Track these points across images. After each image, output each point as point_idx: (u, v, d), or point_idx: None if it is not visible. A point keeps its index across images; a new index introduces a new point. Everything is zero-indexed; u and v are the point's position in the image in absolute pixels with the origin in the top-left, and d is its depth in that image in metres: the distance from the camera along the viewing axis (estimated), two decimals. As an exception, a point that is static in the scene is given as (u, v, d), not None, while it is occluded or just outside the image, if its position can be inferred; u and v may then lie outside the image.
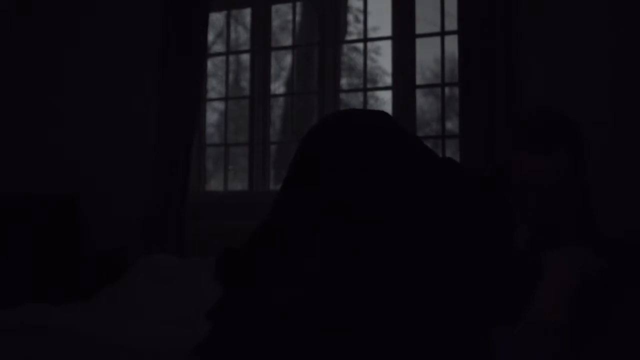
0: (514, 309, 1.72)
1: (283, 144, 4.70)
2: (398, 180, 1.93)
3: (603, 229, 2.92)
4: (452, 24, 4.02)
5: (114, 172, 4.77)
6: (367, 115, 2.12)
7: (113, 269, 3.57)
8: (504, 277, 1.82)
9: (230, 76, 4.84)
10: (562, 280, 1.68)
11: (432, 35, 4.18)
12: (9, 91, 5.07)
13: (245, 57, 4.78)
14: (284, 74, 4.80)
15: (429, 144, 4.25)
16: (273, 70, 4.72)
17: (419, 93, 4.21)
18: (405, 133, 2.08)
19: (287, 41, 4.73)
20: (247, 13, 4.77)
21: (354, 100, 4.53)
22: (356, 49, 4.56)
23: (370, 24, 4.41)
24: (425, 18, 4.19)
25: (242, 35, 4.88)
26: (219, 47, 4.90)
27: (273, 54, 4.71)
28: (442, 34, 4.11)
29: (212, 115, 4.91)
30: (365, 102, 4.38)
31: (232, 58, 4.85)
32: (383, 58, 4.47)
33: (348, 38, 4.58)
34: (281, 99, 4.76)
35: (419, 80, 4.21)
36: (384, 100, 4.42)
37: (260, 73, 4.68)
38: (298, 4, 4.64)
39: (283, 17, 4.77)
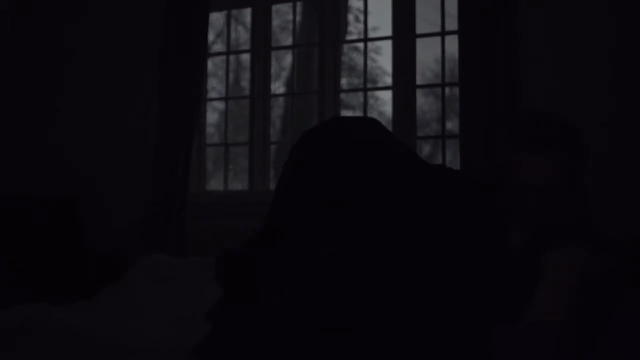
0: (514, 309, 1.72)
1: (283, 144, 4.70)
2: (393, 183, 1.94)
3: (603, 230, 2.93)
4: (452, 24, 4.02)
5: (114, 172, 4.77)
6: (361, 122, 2.13)
7: (113, 269, 3.56)
8: (500, 277, 1.82)
9: (231, 76, 4.84)
10: (562, 280, 1.68)
11: (432, 35, 4.18)
12: (9, 91, 5.07)
13: (246, 57, 4.78)
14: (284, 74, 4.80)
15: (429, 144, 4.28)
16: (273, 70, 4.72)
17: (419, 93, 4.21)
18: (395, 139, 2.09)
19: (288, 41, 4.73)
20: (247, 13, 4.78)
21: (354, 100, 4.53)
22: (356, 49, 4.56)
23: (370, 24, 4.41)
24: (425, 18, 4.19)
25: (242, 35, 4.88)
26: (219, 47, 4.90)
27: (273, 53, 4.71)
28: (443, 33, 4.12)
29: (212, 115, 4.91)
30: (365, 102, 4.38)
31: (232, 58, 4.85)
32: (383, 58, 4.47)
33: (348, 38, 4.58)
34: (281, 99, 4.77)
35: (419, 80, 4.21)
36: (384, 100, 4.43)
37: (261, 73, 4.68)
38: (298, 4, 4.64)
39: (283, 17, 4.77)
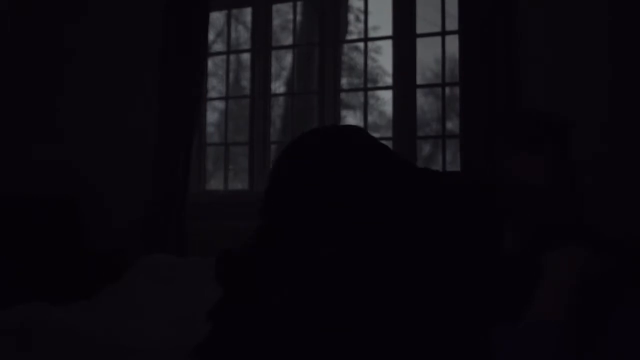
0: (514, 309, 1.72)
1: (283, 144, 4.69)
2: (393, 185, 1.95)
3: (603, 230, 2.93)
4: (452, 24, 4.02)
5: (114, 172, 4.77)
6: (356, 128, 2.14)
7: (113, 269, 3.57)
8: (498, 277, 1.82)
9: (231, 75, 4.84)
10: (562, 280, 1.68)
11: (432, 35, 4.18)
12: (9, 91, 5.07)
13: (246, 57, 4.78)
14: (285, 74, 4.80)
15: (429, 144, 4.28)
16: (273, 69, 4.72)
17: (419, 93, 4.21)
18: (381, 144, 2.11)
19: (288, 40, 4.73)
20: (247, 12, 4.77)
21: (354, 100, 4.53)
22: (357, 49, 4.56)
23: (370, 24, 4.41)
24: (425, 18, 4.18)
25: (242, 34, 4.88)
26: (219, 46, 4.90)
27: (273, 53, 4.71)
28: (443, 33, 4.11)
29: (213, 114, 4.91)
30: (365, 101, 4.38)
31: (232, 57, 4.85)
32: (383, 58, 4.47)
33: (348, 37, 4.58)
34: (281, 99, 4.76)
35: (419, 80, 4.21)
36: (385, 100, 4.43)
37: (261, 72, 4.68)
38: (299, 4, 4.64)
39: (283, 17, 4.77)
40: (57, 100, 5.01)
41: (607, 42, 3.55)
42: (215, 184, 4.90)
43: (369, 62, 4.42)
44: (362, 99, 4.42)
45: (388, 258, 1.81)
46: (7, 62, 5.08)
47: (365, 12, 4.40)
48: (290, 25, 4.68)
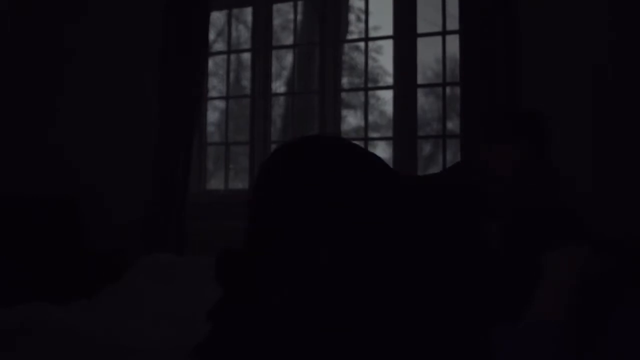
0: (514, 309, 1.72)
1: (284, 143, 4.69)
2: (391, 187, 1.96)
3: (603, 230, 2.95)
4: (452, 24, 4.02)
5: (114, 172, 4.77)
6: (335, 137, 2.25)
7: (113, 269, 3.57)
8: (497, 278, 1.82)
9: (231, 75, 4.84)
10: (562, 280, 1.68)
11: (433, 35, 4.18)
12: (9, 91, 5.07)
13: (246, 56, 4.78)
14: (285, 73, 4.80)
15: (429, 143, 4.28)
16: (274, 69, 4.72)
17: (420, 92, 4.21)
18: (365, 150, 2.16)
19: (288, 40, 4.72)
20: (248, 12, 4.77)
21: (355, 100, 4.53)
22: (357, 48, 4.56)
23: (371, 24, 4.41)
24: (426, 18, 4.18)
25: (243, 34, 4.88)
26: (220, 46, 4.90)
27: (274, 53, 4.71)
28: (444, 33, 4.11)
29: (213, 114, 4.91)
30: (366, 101, 4.38)
31: (233, 57, 4.85)
32: (384, 57, 4.47)
33: (349, 37, 4.58)
34: (282, 98, 4.77)
35: (420, 80, 4.21)
36: (385, 100, 4.43)
37: (261, 72, 4.68)
38: (299, 3, 4.63)
39: (284, 16, 4.77)
40: (57, 100, 5.01)
41: (607, 41, 3.54)
42: (215, 183, 4.90)
43: (370, 61, 4.42)
44: (362, 99, 4.42)
45: (388, 258, 1.81)
46: (7, 62, 5.08)
47: (366, 11, 4.40)
48: (291, 25, 4.68)
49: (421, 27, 4.20)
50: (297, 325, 1.77)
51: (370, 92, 4.44)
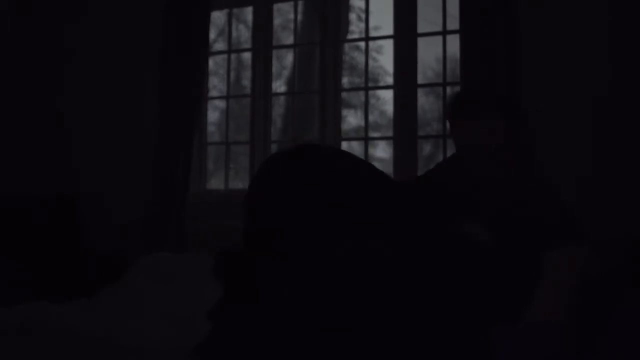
0: (514, 309, 1.72)
1: (284, 143, 4.70)
2: (388, 188, 1.98)
3: (603, 230, 2.96)
4: (452, 24, 4.02)
5: (114, 171, 4.77)
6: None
7: (113, 269, 3.56)
8: (497, 278, 1.82)
9: (232, 74, 4.85)
10: (562, 280, 1.68)
11: (433, 35, 4.17)
12: (9, 91, 5.07)
13: (247, 56, 4.78)
14: (286, 73, 4.80)
15: (429, 143, 4.28)
16: (274, 68, 4.72)
17: (420, 92, 4.21)
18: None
19: (289, 40, 4.73)
20: (248, 11, 4.78)
21: (355, 99, 4.53)
22: (358, 48, 4.56)
23: (372, 23, 4.41)
24: (426, 18, 4.18)
25: (243, 33, 4.88)
26: (220, 46, 4.90)
27: (274, 52, 4.71)
28: (444, 33, 4.11)
29: (213, 113, 4.91)
30: (366, 101, 4.38)
31: (233, 56, 4.85)
32: (384, 57, 4.47)
33: (350, 37, 4.58)
34: (282, 98, 4.77)
35: (420, 80, 4.21)
36: (385, 100, 4.43)
37: (262, 71, 4.68)
38: (300, 3, 4.64)
39: (284, 16, 4.77)
40: (57, 100, 5.01)
41: (607, 42, 3.54)
42: (216, 183, 4.90)
43: (370, 61, 4.42)
44: (362, 99, 4.42)
45: (388, 258, 1.81)
46: (7, 62, 5.08)
47: (366, 11, 4.40)
48: (291, 25, 4.68)
49: (421, 27, 4.20)
50: (297, 325, 1.77)
51: (370, 92, 4.44)
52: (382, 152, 4.46)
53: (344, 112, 4.51)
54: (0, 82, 5.04)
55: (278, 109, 4.76)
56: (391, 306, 1.75)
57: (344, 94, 4.51)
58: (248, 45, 4.78)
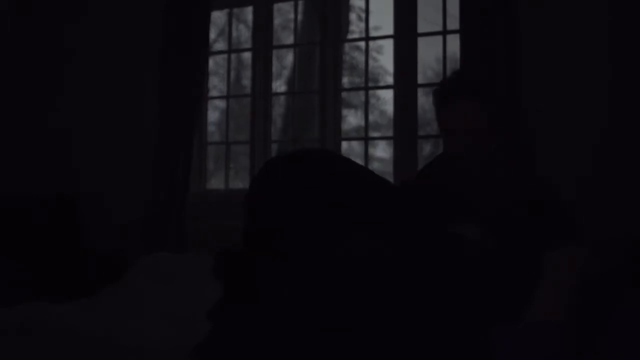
0: (514, 309, 1.72)
1: (284, 143, 4.70)
2: (385, 190, 1.99)
3: (603, 230, 2.96)
4: (453, 24, 4.02)
5: (114, 171, 4.77)
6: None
7: (113, 269, 3.56)
8: (496, 278, 1.82)
9: (232, 74, 4.84)
10: (562, 280, 1.68)
11: (434, 34, 4.17)
12: (9, 91, 5.07)
13: (247, 55, 4.77)
14: (286, 73, 4.80)
15: (429, 143, 4.27)
16: (274, 68, 4.71)
17: (420, 92, 4.20)
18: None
19: (289, 40, 4.72)
20: (249, 11, 4.77)
21: (355, 99, 4.53)
22: (358, 48, 4.56)
23: (372, 23, 4.40)
24: (426, 18, 4.18)
25: (243, 33, 4.88)
26: (220, 45, 4.90)
27: (275, 52, 4.71)
28: (444, 33, 4.11)
29: (214, 113, 4.91)
30: (366, 101, 4.38)
31: (233, 56, 4.85)
32: (385, 57, 4.47)
33: (350, 37, 4.58)
34: (282, 98, 4.76)
35: (420, 80, 4.20)
36: (386, 100, 4.42)
37: (262, 71, 4.68)
38: (300, 3, 4.63)
39: (285, 16, 4.77)
40: (57, 100, 5.01)
41: (607, 42, 3.54)
42: (216, 182, 4.90)
43: (370, 61, 4.42)
44: (363, 98, 4.42)
45: (388, 258, 1.81)
46: (7, 62, 5.08)
47: (367, 11, 4.39)
48: (292, 25, 4.68)
49: (421, 27, 4.19)
50: (297, 325, 1.77)
51: (370, 92, 4.44)
52: (382, 152, 4.46)
53: (344, 112, 4.51)
54: (0, 82, 5.04)
55: (278, 109, 4.76)
56: (391, 306, 1.75)
57: (344, 94, 4.51)
58: (248, 45, 4.78)
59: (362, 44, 4.44)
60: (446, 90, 2.61)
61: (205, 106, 4.79)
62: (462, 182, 2.62)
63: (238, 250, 2.09)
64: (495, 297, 1.78)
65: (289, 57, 4.75)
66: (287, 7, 4.71)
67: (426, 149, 4.27)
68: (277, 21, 4.73)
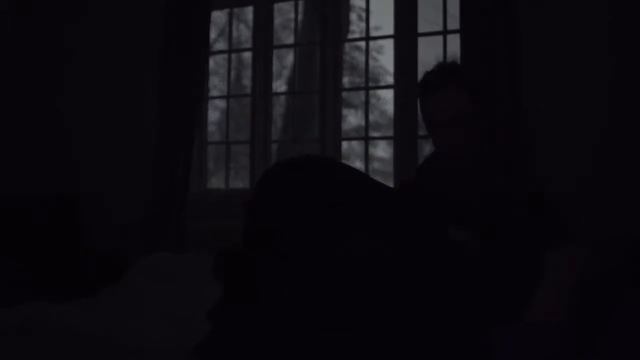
0: (514, 309, 1.72)
1: (284, 143, 4.70)
2: (383, 191, 2.00)
3: (604, 229, 2.95)
4: (453, 24, 4.01)
5: (114, 171, 4.77)
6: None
7: (113, 269, 3.56)
8: (496, 278, 1.82)
9: (232, 74, 4.84)
10: (562, 280, 1.68)
11: (434, 34, 4.17)
12: (9, 91, 5.07)
13: (247, 55, 4.77)
14: (286, 73, 4.80)
15: (430, 143, 4.26)
16: (275, 68, 4.71)
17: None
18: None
19: (289, 39, 4.72)
20: (249, 11, 4.77)
21: (356, 99, 4.53)
22: (358, 48, 4.56)
23: (372, 23, 4.40)
24: (426, 18, 4.18)
25: (244, 33, 4.88)
26: (221, 45, 4.90)
27: (275, 52, 4.71)
28: (444, 33, 4.10)
29: (214, 113, 4.91)
30: (367, 100, 4.38)
31: (234, 56, 4.85)
32: (385, 57, 4.47)
33: (350, 37, 4.58)
34: (283, 97, 4.77)
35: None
36: (386, 99, 4.43)
37: (262, 71, 4.68)
38: (300, 3, 4.63)
39: (285, 16, 4.77)
40: (57, 100, 5.01)
41: (607, 42, 3.54)
42: (216, 182, 4.90)
43: (371, 61, 4.42)
44: (363, 98, 4.42)
45: (388, 258, 1.81)
46: (7, 62, 5.08)
47: (367, 11, 4.39)
48: (292, 24, 4.68)
49: (422, 27, 4.19)
50: (297, 325, 1.77)
51: (371, 92, 4.43)
52: (382, 152, 4.46)
53: (345, 111, 4.51)
54: (0, 82, 5.04)
55: (278, 109, 4.76)
56: (391, 306, 1.75)
57: (344, 94, 4.51)
58: (248, 44, 4.78)
59: (363, 43, 4.44)
60: (433, 79, 2.61)
61: (206, 106, 4.79)
62: (461, 181, 2.62)
63: (238, 250, 2.10)
64: (495, 297, 1.78)
65: (289, 57, 4.75)
66: (288, 7, 4.71)
67: (426, 149, 4.26)
68: (277, 21, 4.73)
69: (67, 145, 4.95)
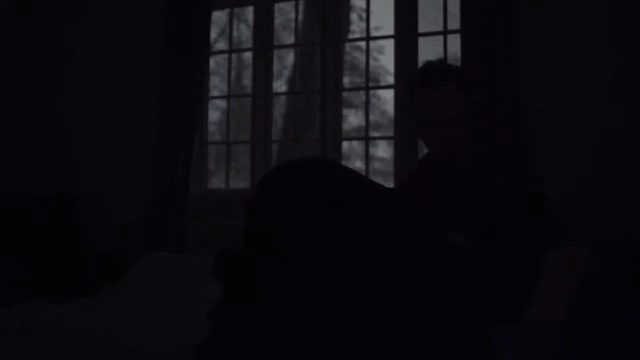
0: (514, 309, 1.72)
1: (285, 143, 4.70)
2: (379, 192, 2.00)
3: (604, 229, 2.95)
4: (453, 24, 4.01)
5: (114, 171, 4.77)
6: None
7: (113, 269, 3.56)
8: (496, 278, 1.82)
9: (233, 74, 4.85)
10: (562, 280, 1.68)
11: (434, 34, 4.17)
12: (9, 91, 5.07)
13: (248, 55, 4.78)
14: (286, 72, 4.80)
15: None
16: (275, 68, 4.71)
17: (421, 92, 4.20)
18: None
19: (290, 39, 4.73)
20: (249, 11, 4.77)
21: (356, 99, 4.53)
22: (358, 48, 4.56)
23: (372, 23, 4.40)
24: (427, 18, 4.18)
25: (244, 33, 4.88)
26: (221, 45, 4.90)
27: (275, 52, 4.71)
28: (445, 33, 4.10)
29: (214, 113, 4.91)
30: (367, 100, 4.38)
31: (234, 56, 4.85)
32: (385, 57, 4.47)
33: (350, 37, 4.58)
34: (283, 97, 4.77)
35: (421, 79, 4.20)
36: (386, 99, 4.43)
37: (263, 71, 4.68)
38: (300, 3, 4.63)
39: (285, 16, 4.77)
40: (57, 100, 5.01)
41: (607, 42, 3.54)
42: (216, 182, 4.90)
43: (371, 61, 4.42)
44: (363, 98, 4.42)
45: (387, 258, 1.81)
46: (7, 62, 5.08)
47: (367, 11, 4.39)
48: (292, 24, 4.68)
49: (422, 27, 4.19)
50: (297, 325, 1.77)
51: (371, 92, 4.44)
52: (382, 152, 4.46)
53: (345, 111, 4.51)
54: (0, 82, 5.04)
55: (279, 109, 4.76)
56: (391, 306, 1.75)
57: (344, 94, 4.51)
58: (249, 44, 4.78)
59: (363, 43, 4.44)
60: (435, 73, 2.65)
61: (206, 106, 4.79)
62: (461, 181, 2.62)
63: (238, 250, 2.09)
64: (495, 297, 1.78)
65: (289, 57, 4.75)
66: (288, 7, 4.71)
67: (426, 149, 4.27)
68: (277, 21, 4.73)
69: (67, 145, 4.95)
